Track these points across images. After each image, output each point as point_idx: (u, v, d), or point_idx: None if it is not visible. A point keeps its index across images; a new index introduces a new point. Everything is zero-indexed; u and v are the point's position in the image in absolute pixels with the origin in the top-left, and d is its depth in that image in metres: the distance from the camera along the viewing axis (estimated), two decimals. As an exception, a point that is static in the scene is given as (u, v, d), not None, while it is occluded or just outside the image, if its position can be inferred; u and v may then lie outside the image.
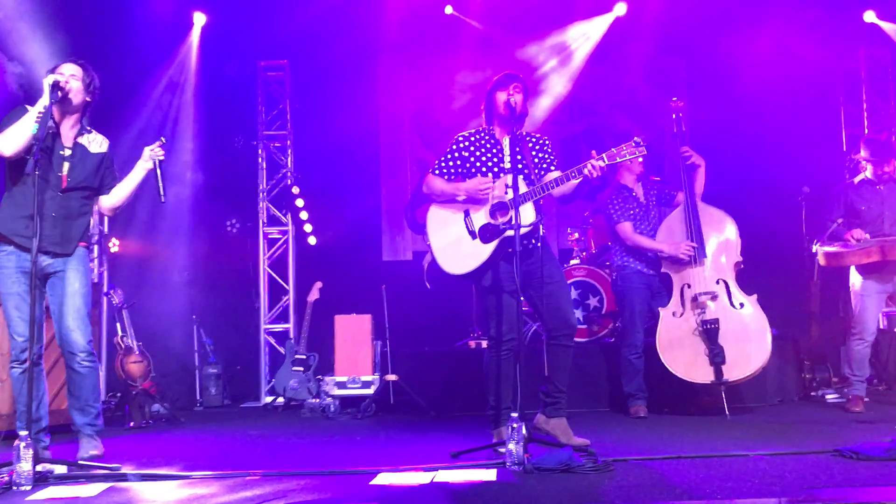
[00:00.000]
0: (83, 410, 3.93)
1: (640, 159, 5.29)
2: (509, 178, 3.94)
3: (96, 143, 4.04)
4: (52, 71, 3.84)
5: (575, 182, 3.96)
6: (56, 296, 3.93)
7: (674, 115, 5.38)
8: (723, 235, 5.19)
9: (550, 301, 4.02)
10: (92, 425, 3.95)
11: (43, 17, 6.00)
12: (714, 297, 5.03)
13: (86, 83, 3.92)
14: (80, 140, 3.97)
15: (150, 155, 3.99)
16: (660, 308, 5.24)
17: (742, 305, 5.01)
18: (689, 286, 5.12)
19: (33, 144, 3.57)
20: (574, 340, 4.13)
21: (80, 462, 3.78)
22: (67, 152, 3.91)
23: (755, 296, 5.05)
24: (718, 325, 4.95)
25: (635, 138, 3.85)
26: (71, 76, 3.87)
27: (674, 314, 5.16)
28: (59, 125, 3.90)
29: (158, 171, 3.98)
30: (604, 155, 3.86)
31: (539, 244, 4.10)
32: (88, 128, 4.05)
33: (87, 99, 3.96)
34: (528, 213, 3.92)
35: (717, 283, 5.08)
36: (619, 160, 3.89)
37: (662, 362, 5.12)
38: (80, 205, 3.98)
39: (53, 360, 5.13)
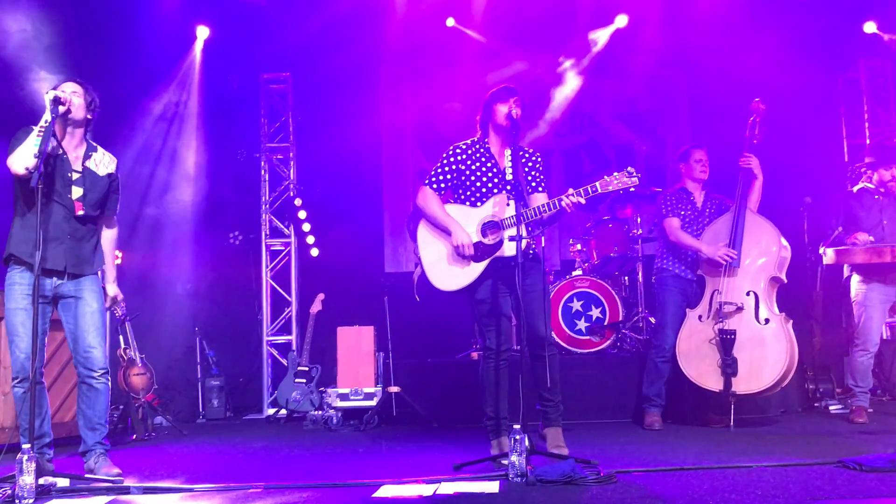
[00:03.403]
0: (95, 429, 3.94)
1: (703, 168, 5.36)
2: (501, 198, 4.03)
3: (103, 164, 4.05)
4: (55, 89, 3.85)
5: (554, 211, 3.97)
6: (72, 316, 3.95)
7: (751, 118, 5.23)
8: (764, 248, 5.07)
9: (527, 311, 4.00)
10: (102, 444, 3.96)
11: (47, 31, 6.04)
12: (739, 309, 4.98)
13: (87, 101, 3.94)
14: (87, 164, 3.98)
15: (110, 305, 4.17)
16: (688, 309, 5.23)
17: (767, 321, 4.95)
18: (718, 292, 5.08)
19: (38, 160, 3.59)
20: (549, 350, 4.08)
21: (85, 476, 3.80)
22: (76, 175, 3.92)
23: (783, 315, 4.96)
24: (735, 337, 4.91)
25: (628, 168, 3.92)
26: (72, 93, 3.89)
27: (699, 318, 5.14)
28: (62, 145, 3.91)
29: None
30: (597, 184, 3.92)
31: (529, 256, 4.13)
32: (94, 145, 4.07)
33: (88, 116, 3.98)
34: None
35: (748, 294, 5.01)
36: (611, 189, 3.92)
37: (678, 364, 5.12)
38: (91, 228, 4.04)
39: (54, 376, 5.16)
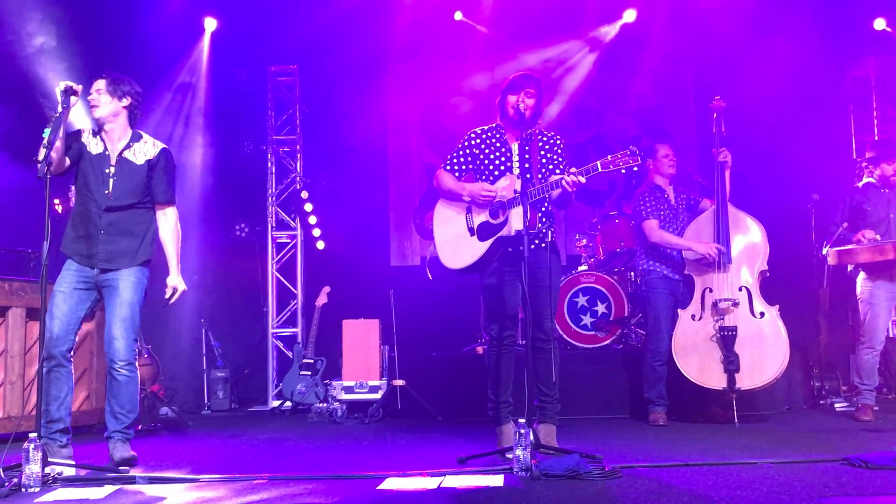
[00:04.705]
0: (116, 418, 3.97)
1: (671, 162, 5.36)
2: (510, 178, 4.04)
3: (143, 152, 4.04)
4: (88, 91, 3.93)
5: (559, 191, 3.96)
6: (106, 305, 4.00)
7: (714, 115, 5.23)
8: (750, 242, 5.10)
9: (533, 303, 4.00)
10: (122, 433, 3.98)
11: (56, 23, 6.05)
12: (735, 304, 4.99)
13: (110, 91, 3.94)
14: (125, 153, 4.00)
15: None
16: (679, 310, 5.20)
17: (762, 315, 4.97)
18: (710, 290, 5.07)
19: (46, 150, 3.60)
20: (550, 344, 4.08)
21: (111, 463, 3.86)
22: (112, 169, 3.96)
23: (777, 306, 4.99)
24: (736, 333, 4.91)
25: (630, 147, 3.87)
26: (97, 91, 3.94)
27: (693, 317, 5.12)
28: (105, 142, 3.98)
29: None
30: (598, 163, 3.88)
31: (542, 245, 4.11)
32: (140, 133, 4.07)
33: (124, 105, 3.98)
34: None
35: (740, 290, 5.02)
36: (612, 168, 3.88)
37: (676, 364, 5.11)
38: (133, 221, 4.00)
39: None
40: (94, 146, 3.97)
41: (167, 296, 4.09)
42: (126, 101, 3.98)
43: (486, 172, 4.22)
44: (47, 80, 5.97)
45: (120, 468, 3.73)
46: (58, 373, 3.87)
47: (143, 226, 4.04)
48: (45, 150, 3.55)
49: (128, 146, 4.01)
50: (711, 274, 5.08)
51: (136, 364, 4.02)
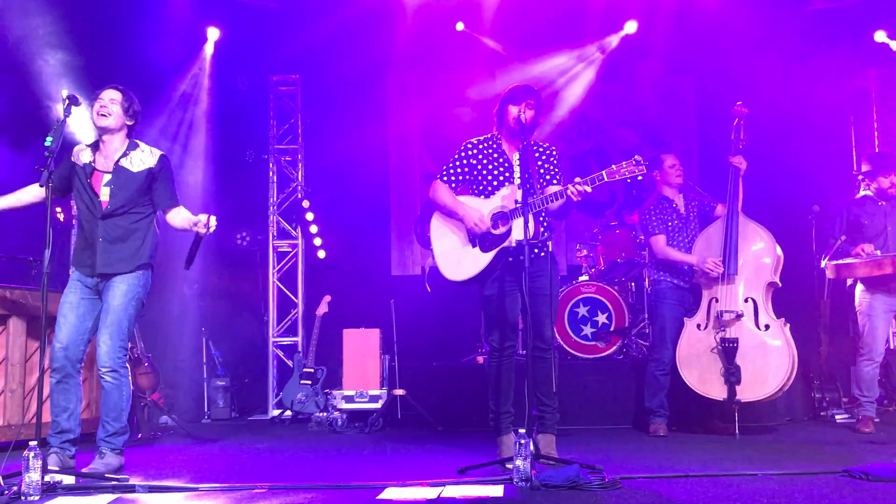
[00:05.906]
0: (102, 425, 3.97)
1: (678, 172, 5.37)
2: (511, 189, 4.04)
3: (140, 160, 4.03)
4: (96, 98, 3.95)
5: (562, 201, 3.98)
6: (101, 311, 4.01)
7: (735, 121, 5.19)
8: (760, 253, 5.09)
9: (534, 312, 3.99)
10: (106, 442, 3.93)
11: (57, 32, 6.07)
12: (738, 316, 4.97)
13: (125, 107, 3.99)
14: (122, 162, 4.00)
15: (202, 225, 3.86)
16: (686, 318, 5.20)
17: (767, 328, 4.95)
18: (716, 300, 5.07)
19: (48, 157, 3.62)
20: (551, 353, 4.07)
21: (87, 472, 3.81)
22: (107, 177, 3.97)
23: (783, 319, 4.98)
24: (737, 345, 4.90)
25: (636, 157, 3.88)
26: (110, 101, 3.96)
27: (698, 326, 5.12)
28: (96, 154, 4.01)
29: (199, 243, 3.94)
30: (603, 172, 3.90)
31: (541, 254, 4.12)
32: (136, 143, 4.08)
33: (128, 122, 4.04)
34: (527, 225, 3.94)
35: (746, 301, 5.01)
36: (617, 178, 3.89)
37: (679, 373, 5.10)
38: (129, 227, 3.99)
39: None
40: (83, 158, 4.01)
41: (203, 222, 3.83)
42: (131, 122, 4.05)
43: (485, 183, 4.20)
44: (50, 88, 5.99)
45: (109, 477, 3.71)
46: (66, 384, 3.88)
47: (141, 231, 4.03)
48: (47, 157, 3.58)
49: (124, 154, 4.02)
50: (718, 284, 5.07)
51: (123, 372, 3.94)
